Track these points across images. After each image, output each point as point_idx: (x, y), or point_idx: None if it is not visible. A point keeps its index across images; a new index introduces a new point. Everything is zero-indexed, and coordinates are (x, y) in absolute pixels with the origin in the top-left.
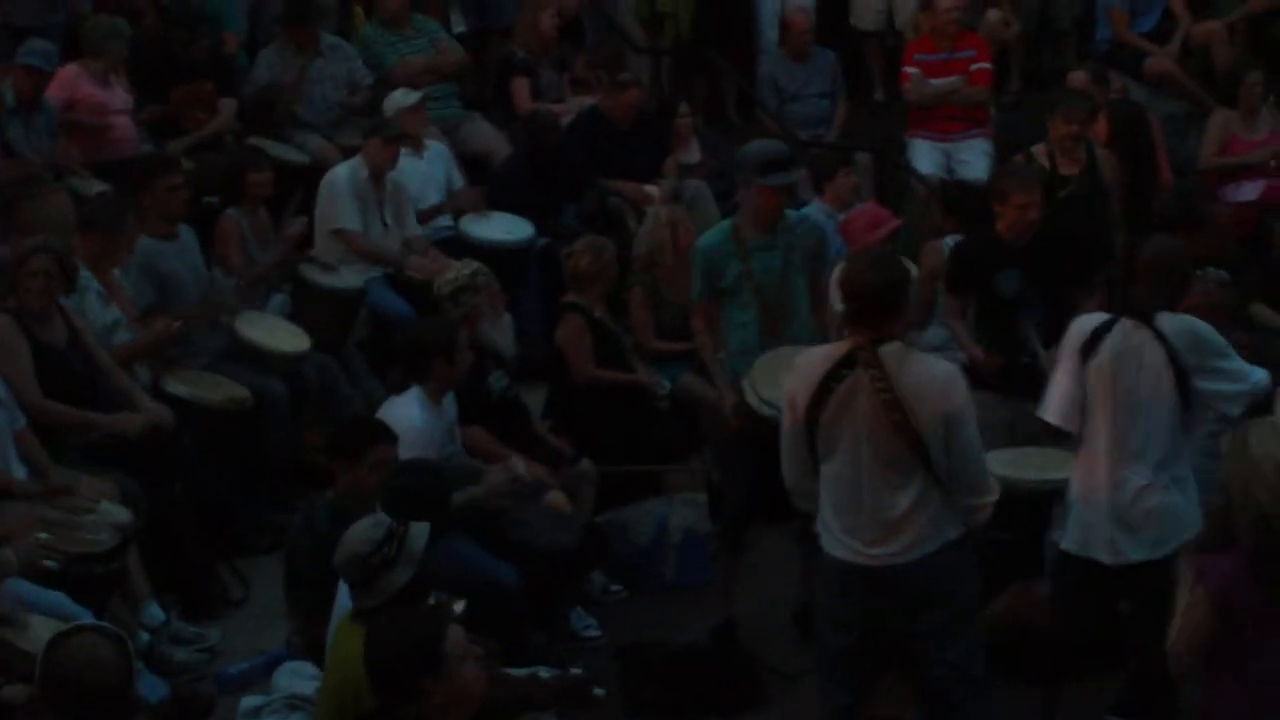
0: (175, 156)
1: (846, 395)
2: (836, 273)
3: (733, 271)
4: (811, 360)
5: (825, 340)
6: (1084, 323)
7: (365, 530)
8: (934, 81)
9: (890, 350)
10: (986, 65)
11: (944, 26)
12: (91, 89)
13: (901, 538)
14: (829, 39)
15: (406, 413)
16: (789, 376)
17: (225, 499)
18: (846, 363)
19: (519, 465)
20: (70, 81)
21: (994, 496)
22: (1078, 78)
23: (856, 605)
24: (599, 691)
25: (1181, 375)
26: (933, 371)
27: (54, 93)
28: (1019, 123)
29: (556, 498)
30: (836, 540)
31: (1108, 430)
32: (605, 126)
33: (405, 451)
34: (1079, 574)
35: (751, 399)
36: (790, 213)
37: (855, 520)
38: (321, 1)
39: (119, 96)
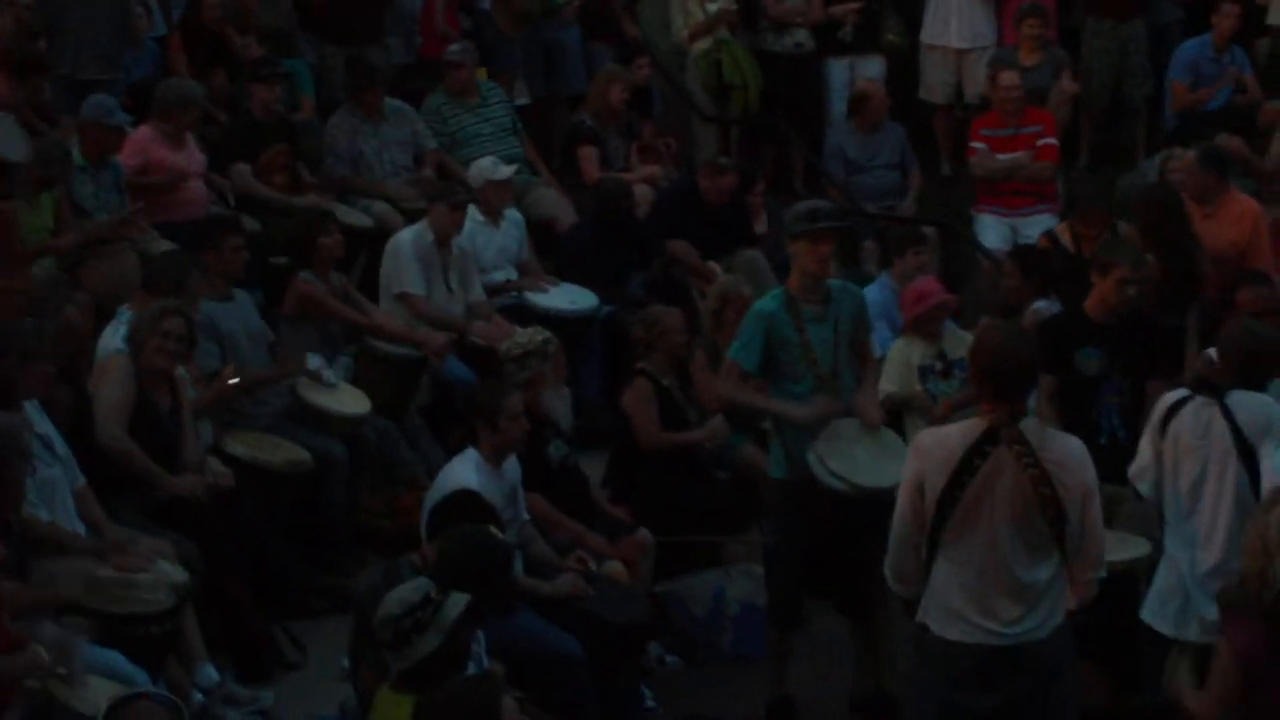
0: (238, 216)
1: (991, 473)
2: (899, 347)
3: (790, 341)
4: (944, 439)
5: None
6: (1167, 397)
7: (404, 592)
8: (1000, 156)
9: (1029, 425)
10: (1053, 141)
11: (1005, 103)
12: (165, 152)
13: (1037, 613)
14: (897, 111)
15: (461, 474)
16: (914, 457)
17: (283, 561)
18: (988, 439)
19: (584, 584)
20: (143, 145)
21: (1105, 571)
22: (1186, 158)
23: (993, 691)
24: None
25: (1248, 454)
26: (1070, 446)
27: (127, 157)
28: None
29: (614, 568)
30: (971, 626)
31: (1176, 508)
32: (698, 204)
33: None
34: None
35: (820, 472)
36: (833, 281)
37: (994, 600)
38: (380, 66)
39: (192, 159)
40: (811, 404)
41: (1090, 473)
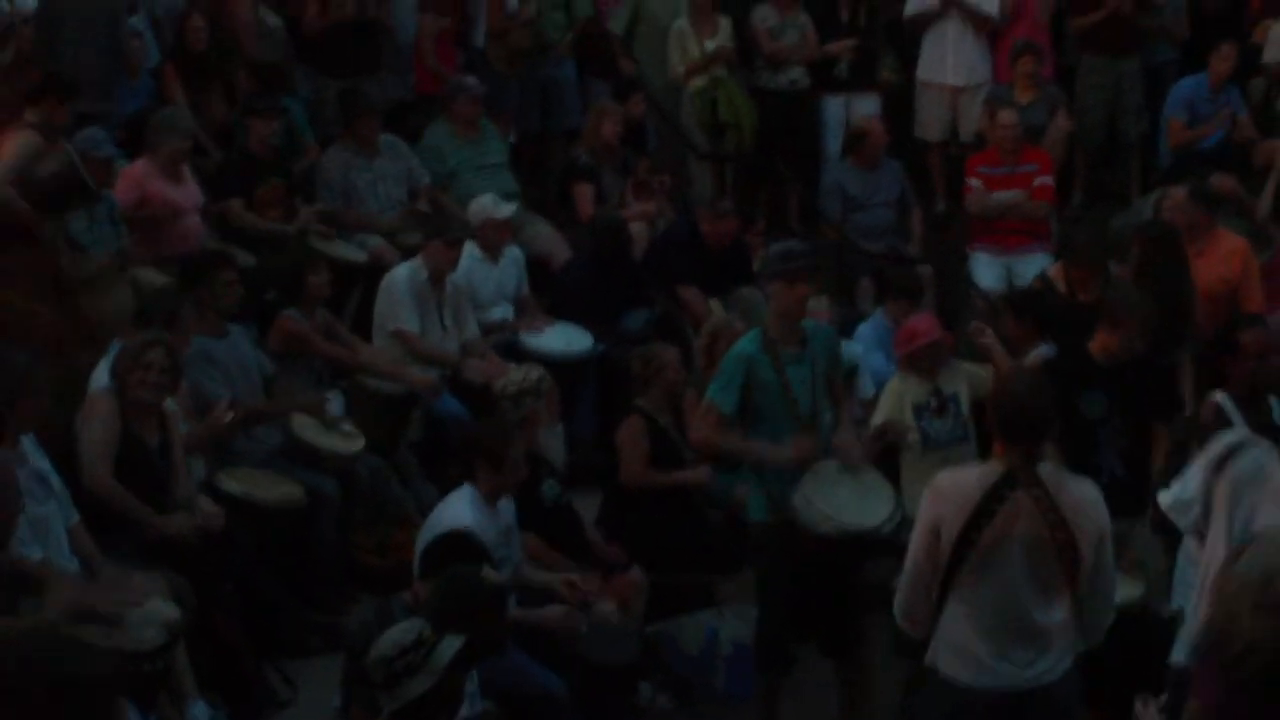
0: (230, 252)
1: (1009, 516)
2: (893, 385)
3: (770, 383)
4: (962, 483)
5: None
6: (1225, 436)
7: (397, 634)
8: (996, 195)
9: (1046, 470)
10: (1049, 180)
11: (1003, 141)
12: (161, 186)
13: (1049, 656)
14: (892, 148)
15: (457, 510)
16: (930, 500)
17: (275, 598)
18: (1006, 483)
19: (582, 621)
20: (139, 179)
21: (1114, 614)
22: (1177, 195)
23: None
24: None
25: None
26: (1085, 490)
27: (123, 192)
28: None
29: (607, 607)
30: (985, 669)
31: (1226, 549)
32: (699, 246)
33: None
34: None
35: (806, 514)
36: (807, 322)
37: (1010, 642)
38: (374, 98)
39: (189, 193)
40: (788, 446)
41: (1104, 516)
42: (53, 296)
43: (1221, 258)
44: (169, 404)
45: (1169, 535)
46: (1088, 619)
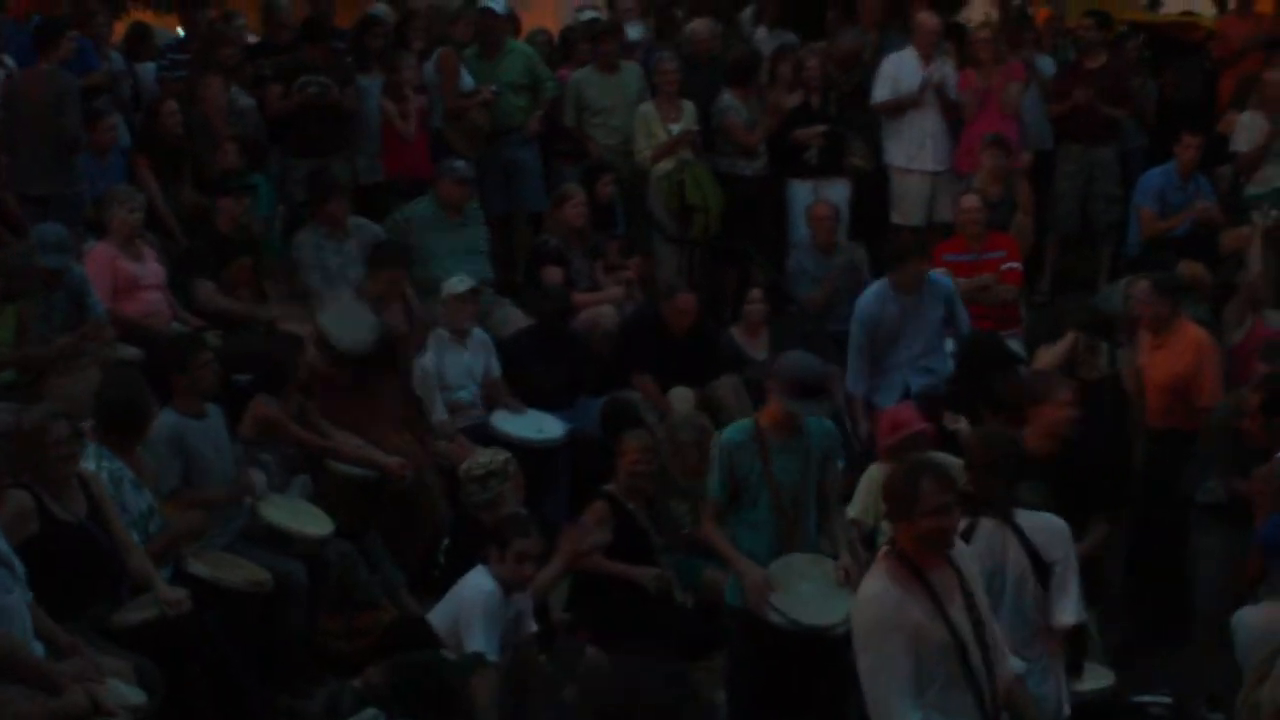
0: (202, 335)
1: None
2: (872, 473)
3: (752, 470)
4: None
5: (830, 547)
6: None
7: None
8: (963, 280)
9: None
10: (1017, 265)
11: (966, 226)
12: (124, 264)
13: None
14: (868, 233)
15: (478, 581)
16: None
17: (242, 681)
18: None
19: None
20: (107, 261)
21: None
22: (1142, 287)
23: None
24: None
25: (1042, 571)
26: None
27: (96, 274)
28: (1050, 323)
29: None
30: None
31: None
32: (661, 331)
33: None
34: None
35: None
36: (809, 419)
37: None
38: (343, 178)
39: (151, 270)
40: (755, 578)
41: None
42: None
43: (1178, 353)
44: (146, 497)
45: None
46: None
